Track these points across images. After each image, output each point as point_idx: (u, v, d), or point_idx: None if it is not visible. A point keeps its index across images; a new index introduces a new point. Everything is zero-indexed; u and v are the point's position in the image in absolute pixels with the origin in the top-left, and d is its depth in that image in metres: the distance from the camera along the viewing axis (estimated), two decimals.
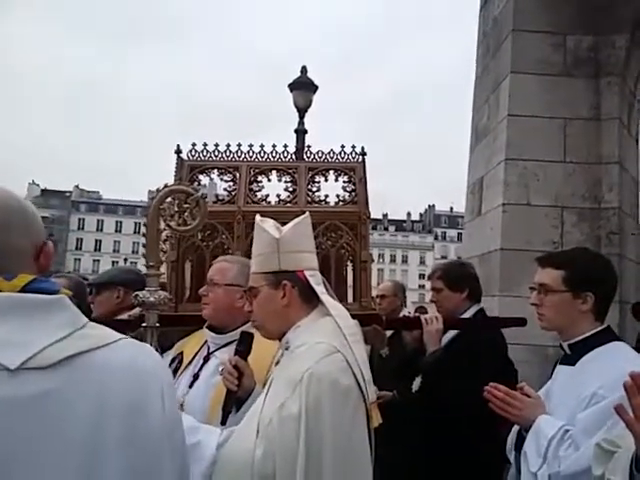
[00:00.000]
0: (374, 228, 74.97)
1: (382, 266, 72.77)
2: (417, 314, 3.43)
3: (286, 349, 1.60)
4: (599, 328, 1.80)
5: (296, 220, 1.69)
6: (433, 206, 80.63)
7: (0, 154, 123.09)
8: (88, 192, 78.29)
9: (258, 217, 1.70)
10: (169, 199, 2.02)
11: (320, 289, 1.63)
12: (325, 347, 1.48)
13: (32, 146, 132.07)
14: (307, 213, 1.75)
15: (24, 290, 0.93)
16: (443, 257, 63.20)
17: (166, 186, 2.02)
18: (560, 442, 1.61)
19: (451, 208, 76.31)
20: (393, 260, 75.72)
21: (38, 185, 75.44)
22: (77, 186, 77.21)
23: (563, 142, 4.06)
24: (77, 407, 0.89)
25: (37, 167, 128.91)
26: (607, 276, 1.85)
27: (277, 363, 1.70)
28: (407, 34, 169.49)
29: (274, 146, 3.05)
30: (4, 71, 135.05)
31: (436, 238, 76.61)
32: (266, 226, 1.66)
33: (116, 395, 0.93)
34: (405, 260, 75.79)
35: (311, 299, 1.61)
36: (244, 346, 1.87)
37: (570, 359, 1.81)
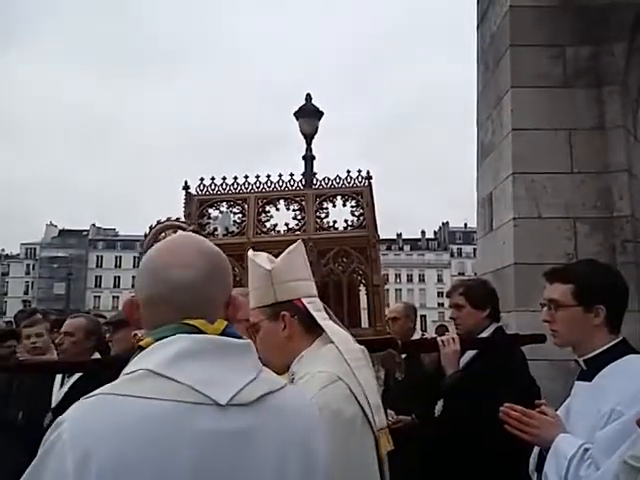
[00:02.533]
0: (389, 248, 74.70)
1: (399, 286, 72.32)
2: (435, 336, 3.40)
3: (291, 381, 1.56)
4: (614, 341, 1.76)
5: (288, 249, 1.66)
6: (447, 223, 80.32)
7: (16, 197, 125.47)
8: (105, 230, 79.36)
9: (250, 252, 1.70)
10: (163, 235, 2.05)
11: (321, 315, 1.61)
12: (326, 376, 1.46)
13: (46, 186, 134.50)
14: (299, 241, 1.72)
15: (222, 333, 1.02)
16: (460, 274, 62.70)
17: (159, 222, 2.05)
18: (580, 462, 1.57)
19: (465, 224, 75.87)
20: (410, 280, 75.21)
21: (56, 226, 76.72)
22: (94, 224, 78.34)
23: (569, 153, 4.05)
24: (268, 443, 0.98)
25: (53, 208, 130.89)
26: (617, 286, 1.82)
27: None
28: (409, 48, 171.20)
29: (280, 175, 3.09)
30: (8, 113, 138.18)
31: (452, 255, 76.10)
32: (258, 260, 1.64)
33: (293, 434, 1.03)
34: (422, 279, 75.23)
35: (313, 327, 1.59)
36: None
37: (587, 375, 1.77)
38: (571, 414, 1.77)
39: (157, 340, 0.98)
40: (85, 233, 76.73)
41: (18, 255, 75.74)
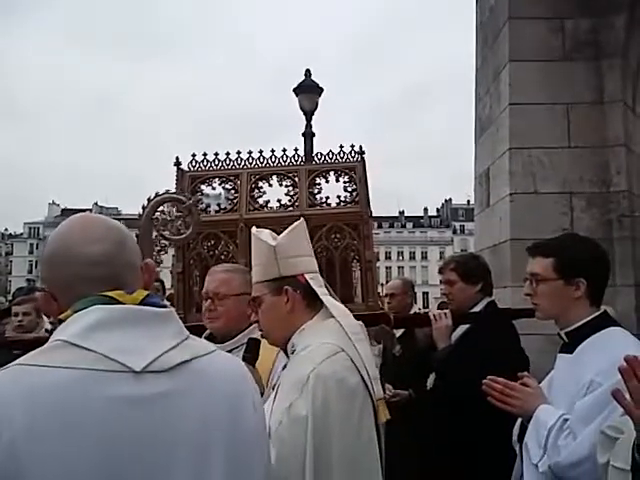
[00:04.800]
0: (391, 226, 74.58)
1: (402, 263, 72.36)
2: (427, 311, 3.42)
3: (292, 352, 1.63)
4: (595, 314, 1.77)
5: (292, 226, 1.73)
6: (450, 200, 79.99)
7: (18, 177, 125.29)
8: (107, 209, 79.34)
9: (254, 229, 1.76)
10: (161, 208, 2.03)
11: (322, 291, 1.67)
12: (330, 347, 1.53)
13: (47, 166, 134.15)
14: (302, 219, 1.79)
15: (142, 303, 1.03)
16: (463, 250, 62.59)
17: (157, 195, 2.03)
18: (559, 432, 1.59)
19: (468, 201, 75.45)
20: (412, 257, 75.19)
21: (58, 205, 76.76)
22: (96, 203, 78.27)
23: (567, 127, 4.00)
24: (189, 406, 1.00)
25: (55, 187, 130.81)
26: (598, 259, 1.82)
27: (284, 368, 1.71)
28: (409, 27, 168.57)
29: (273, 151, 3.06)
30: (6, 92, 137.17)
31: (455, 232, 75.94)
32: (262, 236, 1.71)
33: (219, 397, 1.04)
34: (425, 256, 75.17)
35: (314, 302, 1.66)
36: (251, 352, 1.88)
37: (568, 347, 1.78)
38: (553, 386, 1.79)
39: (75, 312, 1.00)
40: (88, 212, 76.85)
41: (21, 234, 75.97)
